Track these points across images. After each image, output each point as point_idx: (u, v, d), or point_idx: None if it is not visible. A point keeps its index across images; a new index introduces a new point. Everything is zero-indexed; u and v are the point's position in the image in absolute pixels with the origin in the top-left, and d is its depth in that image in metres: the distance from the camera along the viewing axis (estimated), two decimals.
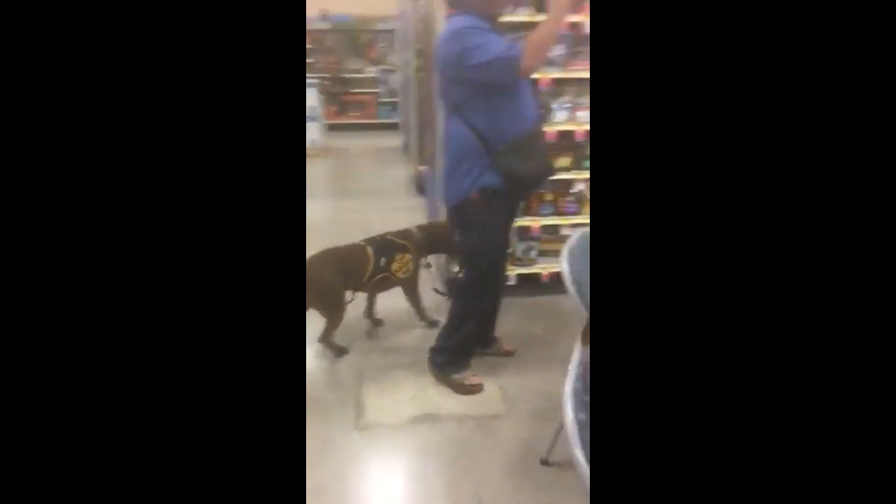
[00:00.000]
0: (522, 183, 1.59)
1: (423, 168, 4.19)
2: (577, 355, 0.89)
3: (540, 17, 2.18)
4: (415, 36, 4.26)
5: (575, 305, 1.37)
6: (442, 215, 2.44)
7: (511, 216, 1.75)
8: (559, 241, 2.55)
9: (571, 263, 1.34)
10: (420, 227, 2.19)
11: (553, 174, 1.70)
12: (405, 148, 5.81)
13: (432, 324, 2.31)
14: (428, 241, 2.13)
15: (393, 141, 6.16)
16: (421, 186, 4.19)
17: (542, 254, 2.57)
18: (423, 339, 2.24)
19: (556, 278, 2.58)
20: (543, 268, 2.53)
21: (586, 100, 2.33)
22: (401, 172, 5.21)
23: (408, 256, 2.08)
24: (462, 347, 1.86)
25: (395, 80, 6.18)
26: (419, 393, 1.88)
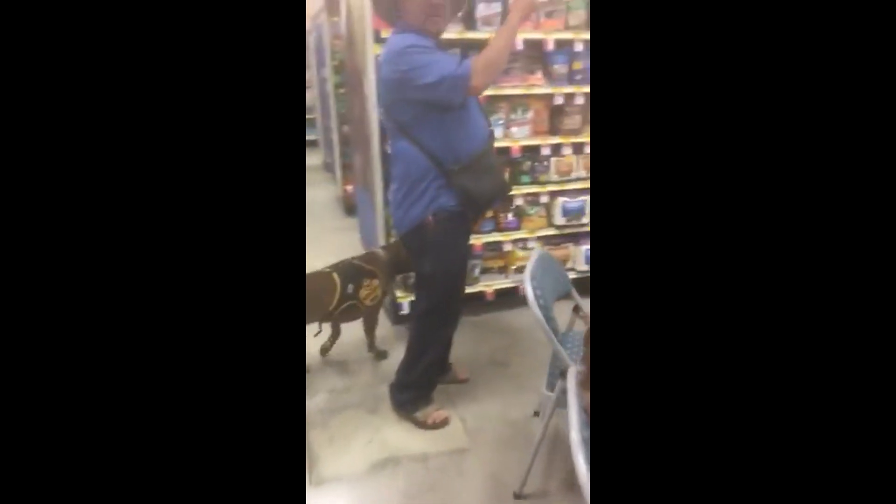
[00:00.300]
0: (479, 202, 1.53)
1: (351, 188, 4.03)
2: (577, 399, 0.83)
3: (470, 35, 2.16)
4: (331, 52, 4.11)
5: (541, 329, 1.32)
6: (378, 236, 2.34)
7: (468, 238, 1.68)
8: (501, 257, 2.54)
9: (535, 288, 1.30)
10: (385, 249, 2.03)
11: (509, 191, 1.65)
12: (326, 167, 5.60)
13: (380, 355, 2.18)
14: (394, 262, 1.98)
15: (309, 159, 5.91)
16: (350, 207, 4.03)
17: (485, 271, 2.54)
18: (372, 373, 2.10)
19: (501, 295, 2.58)
20: (487, 285, 2.49)
21: (519, 116, 2.34)
22: (323, 192, 5.00)
23: (376, 282, 1.92)
24: (424, 381, 1.76)
25: (309, 97, 5.95)
26: (375, 435, 1.74)
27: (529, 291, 1.30)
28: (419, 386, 1.76)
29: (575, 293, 1.60)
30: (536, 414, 1.80)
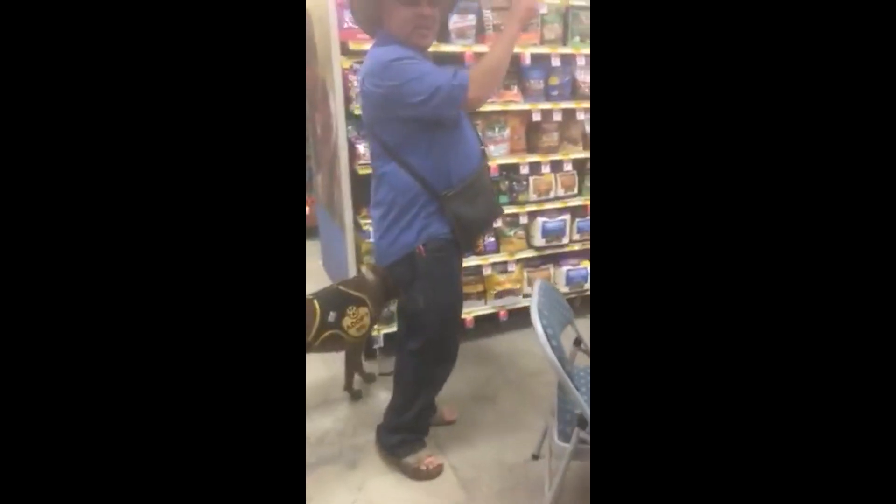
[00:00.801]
0: (472, 229, 1.38)
1: (308, 208, 3.79)
2: None
3: (444, 48, 2.03)
4: None
5: (551, 366, 1.17)
6: (348, 263, 2.14)
7: (460, 267, 1.52)
8: (480, 282, 2.39)
9: (546, 327, 1.15)
10: (374, 272, 1.80)
11: (501, 213, 1.51)
12: None
13: (356, 395, 1.97)
14: (384, 287, 1.75)
15: None
16: (307, 229, 3.79)
17: (464, 297, 2.38)
18: (347, 419, 1.89)
19: (480, 321, 2.43)
20: (467, 312, 2.33)
21: (496, 133, 2.22)
22: None
23: (363, 310, 1.70)
24: (417, 424, 1.58)
25: None
26: (358, 495, 1.54)
27: (540, 330, 1.15)
28: (410, 429, 1.58)
29: (575, 323, 1.48)
30: (535, 457, 1.65)
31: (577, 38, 2.26)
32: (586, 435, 1.17)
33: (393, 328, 2.10)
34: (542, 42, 2.21)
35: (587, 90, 2.32)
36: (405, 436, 1.58)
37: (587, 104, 2.33)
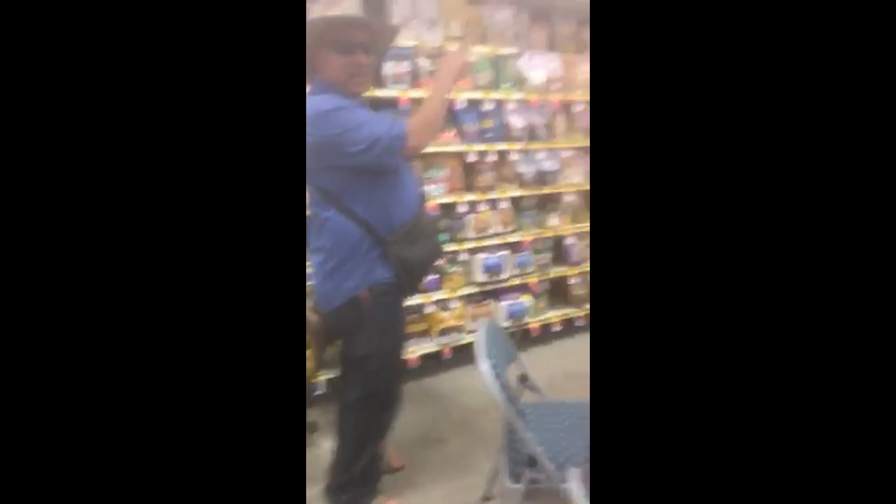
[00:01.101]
0: (415, 271, 1.38)
1: None
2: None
3: (379, 93, 2.07)
4: None
5: (502, 407, 1.18)
6: None
7: (403, 311, 1.50)
8: (423, 320, 2.39)
9: (494, 367, 1.16)
10: (316, 311, 1.70)
11: (443, 254, 1.52)
12: None
13: None
14: (326, 328, 1.67)
15: None
16: None
17: (408, 336, 2.36)
18: None
19: (425, 359, 2.41)
20: (411, 351, 2.31)
21: (433, 174, 2.27)
22: None
23: (307, 353, 1.62)
24: (367, 476, 1.51)
25: None
26: None
27: (488, 371, 1.16)
28: (361, 483, 1.51)
29: (521, 359, 1.50)
30: (486, 499, 1.63)
31: (508, 84, 2.38)
32: (537, 475, 1.18)
33: (334, 373, 2.04)
34: (475, 87, 2.32)
35: (516, 133, 2.44)
36: (355, 492, 1.51)
37: (518, 146, 2.44)
